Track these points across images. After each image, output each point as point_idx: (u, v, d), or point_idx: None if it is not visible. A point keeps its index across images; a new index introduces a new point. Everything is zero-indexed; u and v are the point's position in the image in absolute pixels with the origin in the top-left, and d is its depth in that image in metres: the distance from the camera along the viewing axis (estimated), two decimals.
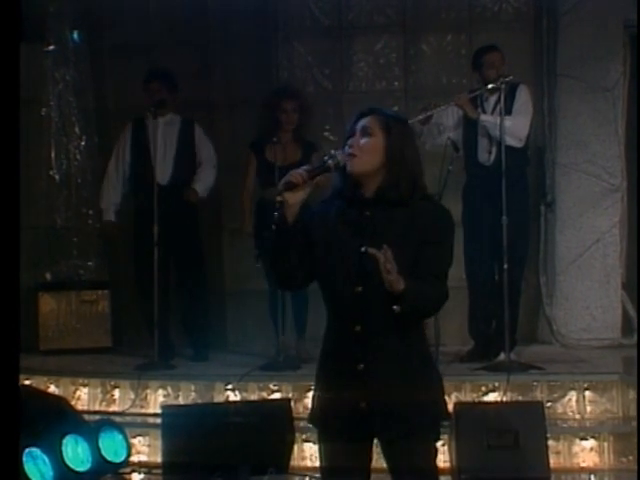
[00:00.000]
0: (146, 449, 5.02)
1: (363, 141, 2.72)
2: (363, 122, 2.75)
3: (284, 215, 2.69)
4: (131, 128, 6.01)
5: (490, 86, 5.40)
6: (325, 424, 2.83)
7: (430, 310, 2.79)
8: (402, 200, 2.70)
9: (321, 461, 2.88)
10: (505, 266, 5.26)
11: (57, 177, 6.74)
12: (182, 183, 5.93)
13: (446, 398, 2.90)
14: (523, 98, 5.54)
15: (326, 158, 2.72)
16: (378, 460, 2.88)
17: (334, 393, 2.76)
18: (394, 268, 2.52)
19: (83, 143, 6.80)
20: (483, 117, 5.51)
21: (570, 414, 5.01)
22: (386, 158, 2.71)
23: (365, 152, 2.71)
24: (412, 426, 2.71)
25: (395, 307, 2.58)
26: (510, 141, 5.34)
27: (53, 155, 6.73)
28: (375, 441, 2.82)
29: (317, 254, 2.74)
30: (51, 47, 6.72)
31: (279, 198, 2.68)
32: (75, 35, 6.78)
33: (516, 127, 5.41)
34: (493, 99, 5.54)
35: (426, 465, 2.77)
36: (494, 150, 5.50)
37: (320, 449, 2.88)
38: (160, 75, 5.96)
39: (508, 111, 5.40)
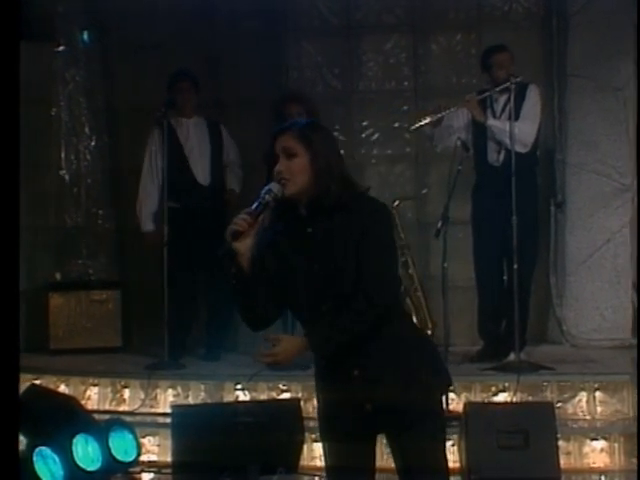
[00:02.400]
0: (156, 449, 5.03)
1: (290, 163, 2.69)
2: (282, 143, 2.72)
3: (240, 266, 2.67)
4: (158, 132, 5.87)
5: (500, 87, 5.40)
6: (328, 426, 2.84)
7: (352, 333, 2.67)
8: (338, 203, 2.69)
9: (326, 461, 2.89)
10: (515, 266, 5.25)
11: (67, 177, 6.76)
12: (220, 183, 6.02)
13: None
14: (533, 100, 5.53)
15: (262, 194, 2.68)
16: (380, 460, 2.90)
17: (335, 399, 2.77)
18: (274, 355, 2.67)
19: (93, 143, 6.82)
20: (490, 122, 5.50)
21: (580, 414, 5.00)
22: (314, 172, 2.69)
23: (295, 174, 2.69)
24: (413, 416, 2.70)
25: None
26: (515, 146, 5.32)
27: (63, 155, 6.75)
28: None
29: (276, 285, 2.73)
30: (61, 47, 6.74)
31: (229, 251, 2.66)
32: (85, 35, 6.80)
33: (522, 133, 5.39)
34: (503, 100, 5.53)
35: (437, 447, 2.78)
36: (503, 151, 5.50)
37: (324, 449, 2.89)
38: (190, 75, 5.98)
39: (517, 113, 5.38)
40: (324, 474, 2.97)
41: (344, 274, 2.65)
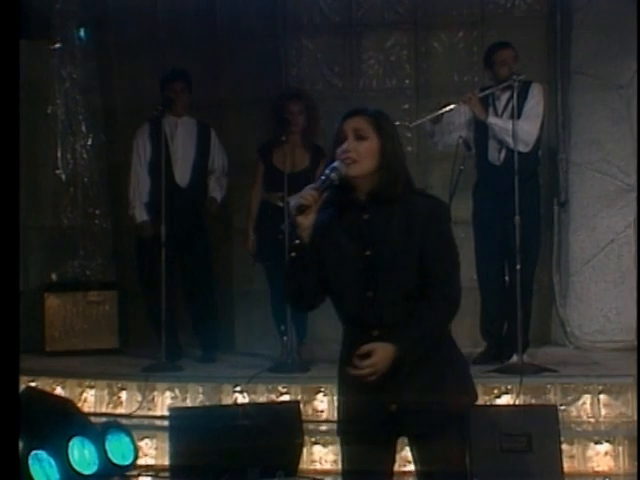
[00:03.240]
0: (153, 452, 5.03)
1: (360, 145, 2.71)
2: (353, 124, 2.73)
3: (302, 239, 2.68)
4: (148, 127, 5.94)
5: (502, 85, 5.40)
6: (351, 428, 2.83)
7: (446, 324, 2.77)
8: (399, 197, 2.71)
9: (343, 464, 2.88)
10: (518, 266, 5.24)
11: (63, 176, 6.75)
12: (199, 187, 5.96)
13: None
14: (535, 98, 5.52)
15: (328, 172, 2.70)
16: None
17: (359, 399, 2.75)
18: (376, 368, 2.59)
19: (90, 142, 6.81)
20: (491, 119, 5.50)
21: (584, 417, 4.99)
22: (382, 159, 2.71)
23: (364, 156, 2.70)
24: (436, 423, 2.71)
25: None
26: (517, 145, 5.31)
27: (59, 154, 6.74)
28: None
29: (324, 267, 2.74)
30: (57, 45, 6.74)
31: (296, 222, 2.67)
32: (82, 33, 6.79)
33: (524, 132, 5.39)
34: (505, 97, 5.53)
35: (458, 454, 2.82)
36: (504, 150, 5.50)
37: (343, 452, 2.89)
38: (183, 74, 5.96)
39: (519, 111, 5.37)
40: (324, 477, 2.97)
41: (399, 266, 2.66)
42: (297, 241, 2.69)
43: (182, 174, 5.90)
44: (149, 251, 5.80)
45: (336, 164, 2.70)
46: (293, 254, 2.71)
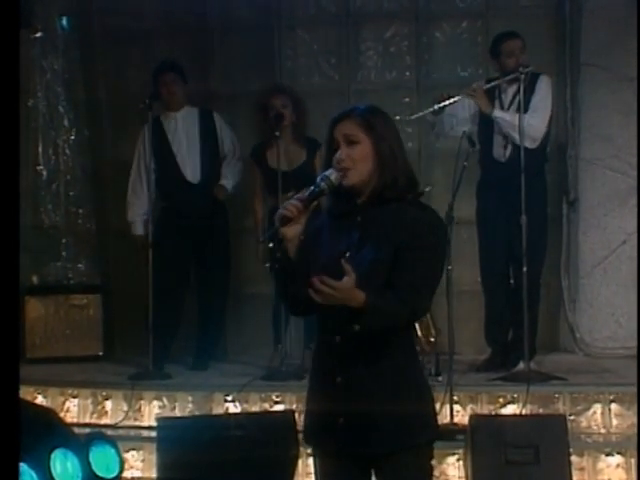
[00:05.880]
0: (140, 464, 5.02)
1: (352, 151, 2.70)
2: (342, 130, 2.73)
3: (286, 251, 2.69)
4: (147, 130, 5.88)
5: (509, 77, 5.41)
6: (315, 441, 2.83)
7: (395, 327, 2.69)
8: (400, 197, 2.71)
9: (316, 477, 2.89)
10: (524, 269, 5.25)
11: (45, 173, 6.75)
12: (212, 179, 5.98)
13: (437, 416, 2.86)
14: (543, 91, 5.54)
15: (318, 181, 2.70)
16: None
17: (317, 408, 2.77)
18: (350, 282, 2.50)
19: (72, 137, 6.81)
20: (497, 113, 5.51)
21: (595, 428, 4.99)
22: (378, 161, 2.70)
23: (358, 162, 2.70)
24: (394, 443, 2.67)
25: (355, 325, 2.57)
26: (523, 141, 5.32)
27: (40, 150, 6.73)
28: None
29: (312, 270, 2.72)
30: (38, 34, 6.72)
31: (278, 234, 2.68)
32: (64, 21, 6.79)
33: (531, 127, 5.39)
34: (512, 90, 5.54)
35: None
36: (510, 146, 5.51)
37: (315, 466, 2.89)
38: (174, 66, 5.96)
39: (526, 105, 5.38)
40: None
41: (371, 272, 2.64)
42: (278, 254, 2.70)
43: (192, 169, 5.93)
44: (171, 256, 5.82)
45: (328, 172, 2.71)
46: (277, 266, 2.74)
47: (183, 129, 5.96)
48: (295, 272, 2.72)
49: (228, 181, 6.03)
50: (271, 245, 2.74)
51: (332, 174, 2.70)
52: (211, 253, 5.96)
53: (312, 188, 2.71)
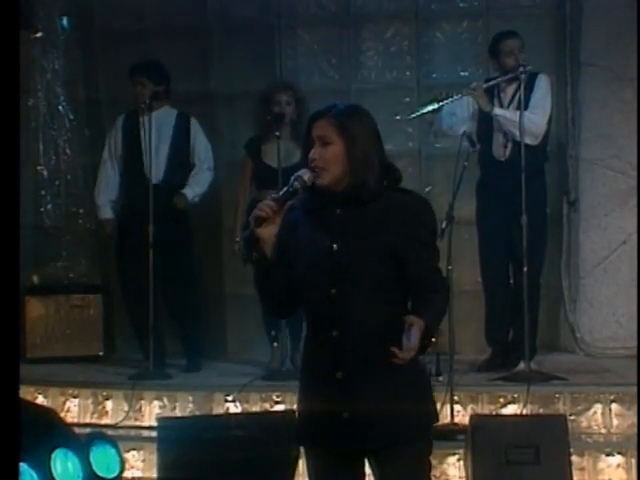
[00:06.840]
0: (140, 464, 5.03)
1: (325, 151, 2.72)
2: (317, 129, 2.74)
3: (262, 252, 2.72)
4: (123, 120, 6.01)
5: (508, 76, 5.41)
6: (311, 440, 2.82)
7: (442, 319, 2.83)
8: (372, 197, 2.72)
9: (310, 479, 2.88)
10: (525, 269, 5.26)
11: (45, 173, 6.76)
12: (176, 183, 5.92)
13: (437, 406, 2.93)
14: (543, 90, 5.54)
15: (292, 180, 2.73)
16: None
17: (315, 405, 2.76)
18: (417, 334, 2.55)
19: (73, 137, 6.81)
20: (497, 110, 5.51)
21: (595, 428, 5.00)
22: (350, 163, 2.71)
23: (330, 163, 2.71)
24: (398, 435, 2.70)
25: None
26: (524, 138, 5.33)
27: (41, 149, 6.74)
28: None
29: (291, 263, 2.76)
30: (39, 34, 6.73)
31: (253, 235, 2.70)
32: (65, 21, 6.80)
33: (532, 123, 5.39)
34: (511, 90, 5.55)
35: (417, 473, 2.76)
36: (510, 145, 5.51)
37: (309, 467, 2.87)
38: (144, 67, 5.93)
39: (526, 104, 5.39)
40: None
41: (368, 262, 2.68)
42: (255, 256, 2.73)
43: (156, 169, 5.84)
44: (131, 252, 5.81)
45: (301, 172, 2.73)
46: (255, 268, 2.77)
47: (156, 128, 5.87)
48: (274, 272, 2.74)
49: (191, 190, 5.91)
50: (246, 246, 2.77)
51: (305, 174, 2.73)
52: (172, 257, 5.84)
53: (286, 188, 2.73)
